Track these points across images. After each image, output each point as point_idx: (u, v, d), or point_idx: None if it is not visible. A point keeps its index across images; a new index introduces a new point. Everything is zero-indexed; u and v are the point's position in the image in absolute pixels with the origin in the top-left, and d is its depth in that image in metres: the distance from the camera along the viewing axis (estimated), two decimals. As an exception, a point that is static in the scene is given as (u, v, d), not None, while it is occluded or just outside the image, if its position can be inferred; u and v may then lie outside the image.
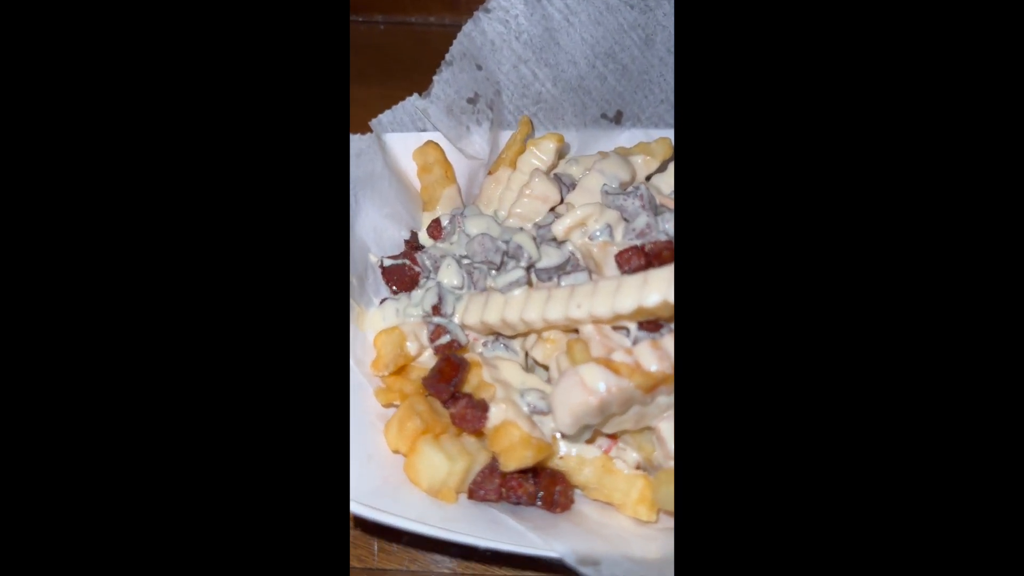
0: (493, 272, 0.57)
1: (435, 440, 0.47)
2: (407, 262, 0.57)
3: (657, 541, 0.47)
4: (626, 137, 0.69)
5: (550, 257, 0.54)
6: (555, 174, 0.61)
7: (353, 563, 0.51)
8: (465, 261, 0.57)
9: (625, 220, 0.55)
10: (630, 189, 0.55)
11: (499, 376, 0.52)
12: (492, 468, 0.48)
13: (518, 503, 0.48)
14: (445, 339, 0.53)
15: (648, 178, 0.61)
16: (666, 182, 0.60)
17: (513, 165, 0.63)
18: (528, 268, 0.54)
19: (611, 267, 0.53)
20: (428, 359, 0.54)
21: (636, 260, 0.51)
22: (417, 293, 0.56)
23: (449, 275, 0.56)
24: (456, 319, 0.54)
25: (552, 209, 0.59)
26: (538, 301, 0.51)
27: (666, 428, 0.48)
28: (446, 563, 0.52)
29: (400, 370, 0.53)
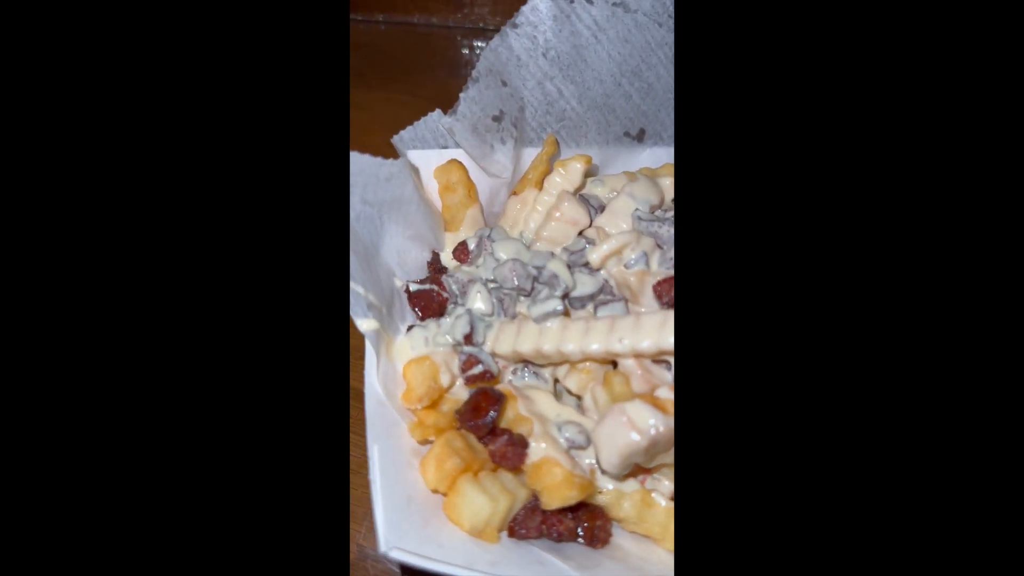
0: (522, 298, 0.56)
1: (475, 479, 0.46)
2: (434, 287, 0.56)
3: None
4: (647, 155, 0.68)
5: (584, 285, 0.53)
6: (582, 195, 0.60)
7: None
8: (492, 285, 0.56)
9: (659, 247, 0.54)
10: (664, 215, 0.55)
11: (534, 409, 0.51)
12: (534, 506, 0.47)
13: (559, 540, 0.48)
14: (478, 369, 0.52)
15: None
16: (696, 207, 0.60)
17: (539, 185, 0.61)
18: (563, 297, 0.53)
19: (648, 296, 0.53)
20: (459, 389, 0.53)
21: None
22: (447, 321, 0.54)
23: (479, 302, 0.54)
24: (487, 347, 0.53)
25: (581, 233, 0.58)
26: (576, 333, 0.50)
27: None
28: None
29: (432, 403, 0.51)
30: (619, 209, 0.57)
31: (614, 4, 0.60)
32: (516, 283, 0.54)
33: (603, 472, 0.48)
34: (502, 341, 0.53)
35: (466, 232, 0.61)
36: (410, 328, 0.55)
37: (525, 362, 0.54)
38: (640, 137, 0.67)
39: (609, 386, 0.50)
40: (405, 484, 0.46)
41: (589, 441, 0.49)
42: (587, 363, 0.52)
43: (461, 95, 0.60)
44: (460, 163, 0.61)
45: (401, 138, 0.61)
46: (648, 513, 0.49)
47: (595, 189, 0.61)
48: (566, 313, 0.53)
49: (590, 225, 0.58)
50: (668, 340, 0.47)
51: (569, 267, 0.54)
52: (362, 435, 0.61)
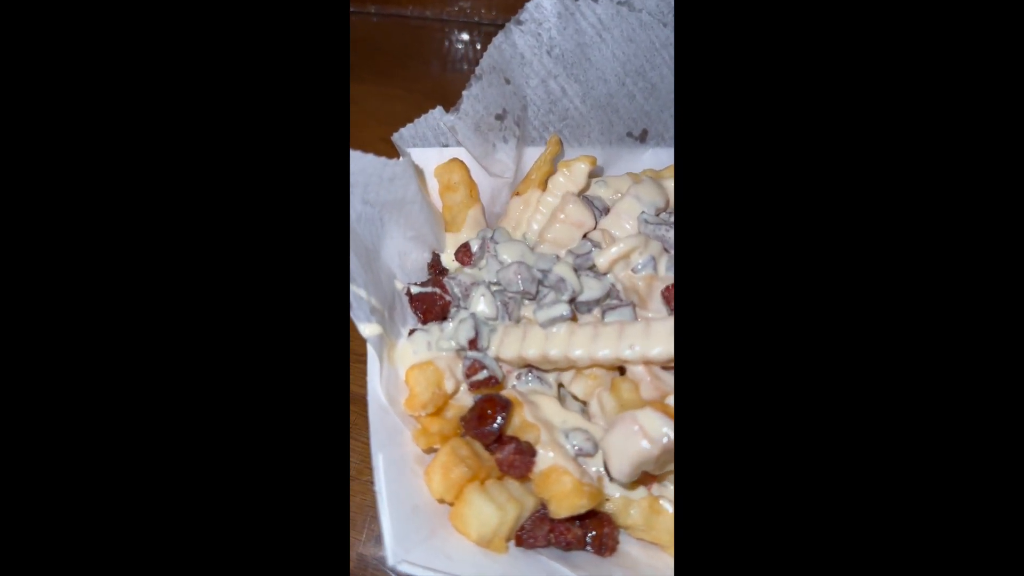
0: (526, 302, 0.55)
1: (482, 488, 0.45)
2: (437, 290, 0.54)
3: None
4: (650, 155, 0.67)
5: (591, 289, 0.53)
6: (586, 197, 0.59)
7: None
8: (496, 288, 0.55)
9: (667, 251, 0.53)
10: (670, 218, 0.54)
11: (540, 415, 0.50)
12: (542, 515, 0.46)
13: (568, 548, 0.47)
14: (482, 375, 0.51)
15: (679, 203, 0.60)
16: (701, 210, 0.59)
17: (542, 186, 0.60)
18: (570, 302, 0.52)
19: (656, 300, 0.52)
20: (463, 395, 0.52)
21: (684, 297, 0.50)
22: (450, 325, 0.53)
23: (483, 305, 0.53)
24: (491, 352, 0.52)
25: (585, 235, 0.57)
26: (584, 338, 0.49)
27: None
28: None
29: (437, 409, 0.50)
30: (624, 212, 0.56)
31: (619, 3, 0.59)
32: (521, 286, 0.53)
33: (612, 480, 0.48)
34: (507, 346, 0.52)
35: (467, 233, 0.59)
36: (412, 332, 0.53)
37: (529, 367, 0.53)
38: (643, 138, 0.66)
39: (617, 392, 0.49)
40: (410, 493, 0.45)
41: (597, 448, 0.49)
42: (593, 369, 0.51)
43: (464, 93, 0.58)
44: (462, 162, 0.59)
45: (401, 136, 0.59)
46: (656, 520, 0.48)
47: (599, 191, 0.60)
48: (573, 318, 0.52)
49: (595, 227, 0.57)
50: (679, 347, 0.46)
51: (575, 271, 0.53)
52: (359, 440, 0.59)
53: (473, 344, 0.51)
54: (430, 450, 0.48)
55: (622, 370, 0.51)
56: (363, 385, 0.48)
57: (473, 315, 0.52)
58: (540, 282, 0.54)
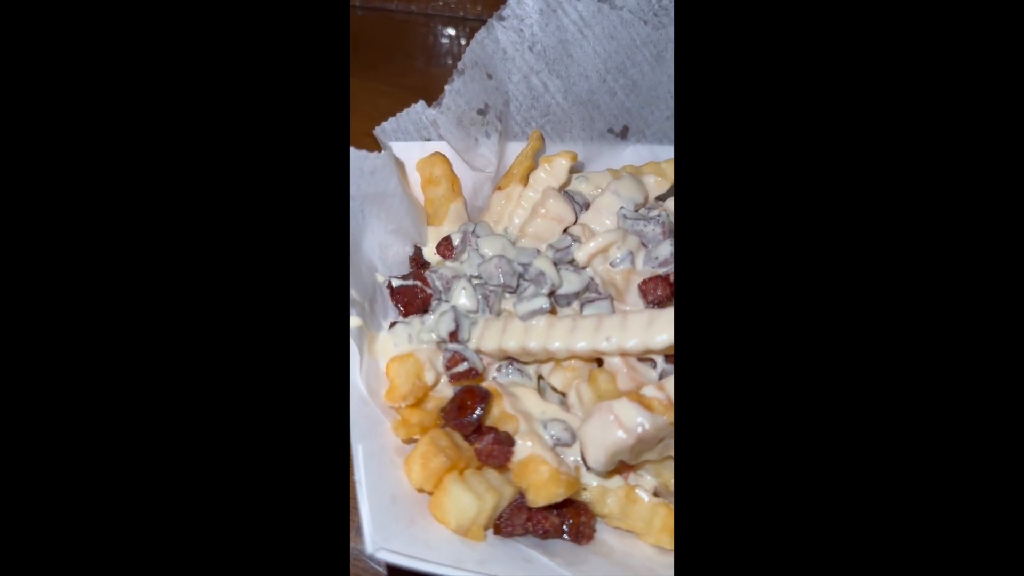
0: (507, 295, 0.55)
1: (461, 477, 0.46)
2: (418, 283, 0.55)
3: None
4: (630, 152, 0.68)
5: (570, 283, 0.53)
6: (566, 192, 0.60)
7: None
8: (477, 282, 0.55)
9: (644, 246, 0.54)
10: (649, 213, 0.55)
11: (520, 406, 0.51)
12: (519, 504, 0.47)
13: (545, 536, 0.48)
14: (463, 367, 0.52)
15: (659, 199, 0.61)
16: (680, 205, 0.60)
17: (524, 181, 0.61)
18: (550, 295, 0.53)
19: (633, 294, 0.53)
20: (444, 387, 0.53)
21: (661, 290, 0.51)
22: (431, 318, 0.53)
23: (464, 298, 0.54)
24: (471, 344, 0.53)
25: (566, 230, 0.58)
26: (562, 331, 0.50)
27: (686, 457, 0.49)
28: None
29: (417, 401, 0.51)
30: (604, 207, 0.57)
31: (600, 0, 0.60)
32: (502, 280, 0.54)
33: (588, 469, 0.49)
34: (487, 338, 0.52)
35: (449, 226, 0.60)
36: (393, 325, 0.54)
37: (509, 359, 0.53)
38: (623, 134, 0.67)
39: (595, 384, 0.50)
40: (389, 483, 0.45)
41: (574, 438, 0.49)
42: (572, 360, 0.52)
43: (446, 87, 0.59)
44: (444, 156, 0.60)
45: (383, 129, 0.59)
46: (632, 509, 0.49)
47: (579, 186, 0.61)
48: (552, 311, 0.53)
49: (575, 222, 0.58)
50: (654, 339, 0.47)
51: (555, 264, 0.54)
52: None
53: (454, 336, 0.52)
54: (410, 441, 0.49)
55: (600, 362, 0.52)
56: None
57: (454, 308, 0.53)
58: (520, 275, 0.54)
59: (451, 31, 0.97)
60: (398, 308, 0.55)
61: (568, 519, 0.48)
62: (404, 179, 0.57)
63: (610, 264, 0.53)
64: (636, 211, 0.56)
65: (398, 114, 0.59)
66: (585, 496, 0.50)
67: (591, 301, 0.53)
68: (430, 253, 0.60)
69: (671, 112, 0.67)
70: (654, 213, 0.55)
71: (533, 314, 0.52)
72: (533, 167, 0.61)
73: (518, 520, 0.47)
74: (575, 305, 0.54)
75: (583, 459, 0.47)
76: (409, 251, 0.59)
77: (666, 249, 0.53)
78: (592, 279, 0.54)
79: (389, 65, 0.92)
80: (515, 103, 0.62)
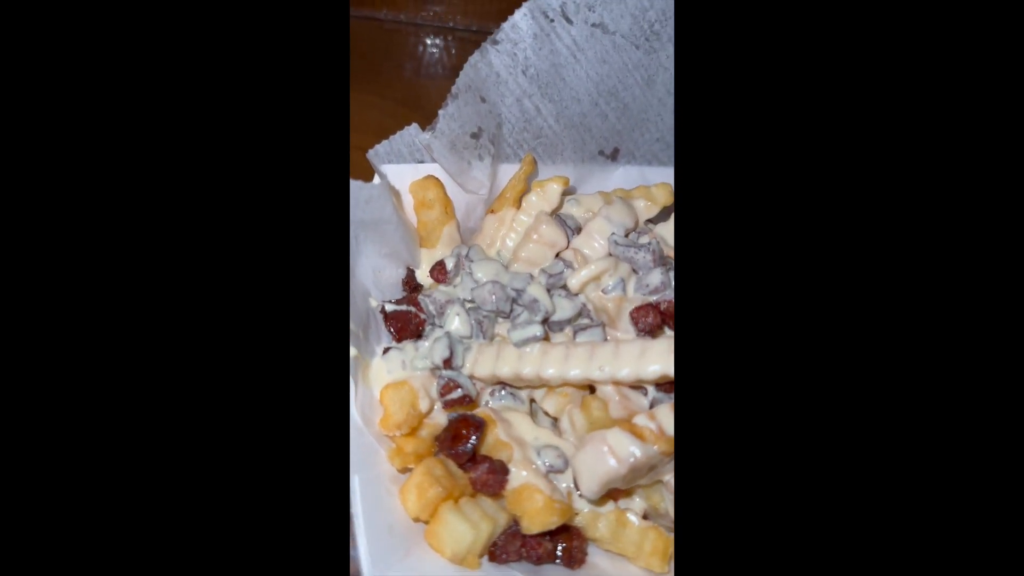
0: (500, 319, 0.56)
1: (456, 507, 0.46)
2: (412, 308, 0.55)
3: (670, 592, 0.49)
4: (620, 174, 0.69)
5: (563, 310, 0.54)
6: (559, 216, 0.60)
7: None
8: (470, 306, 0.56)
9: (635, 272, 0.55)
10: (639, 239, 0.56)
11: (513, 433, 0.51)
12: (514, 531, 0.48)
13: (538, 562, 0.49)
14: (457, 394, 0.52)
15: (649, 222, 0.62)
16: (669, 231, 0.61)
17: (516, 204, 0.61)
18: (543, 322, 0.53)
19: (625, 320, 0.54)
20: (438, 413, 0.53)
21: (652, 318, 0.52)
22: (424, 344, 0.54)
23: (457, 323, 0.54)
24: (465, 370, 0.53)
25: (558, 254, 0.58)
26: (556, 359, 0.51)
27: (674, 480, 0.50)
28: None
29: (411, 429, 0.51)
30: (596, 231, 0.58)
31: (593, 25, 0.61)
32: (495, 305, 0.54)
33: (579, 495, 0.49)
34: (481, 364, 0.53)
35: (442, 249, 0.60)
36: (386, 350, 0.54)
37: (502, 383, 0.54)
38: (614, 156, 0.68)
39: (587, 411, 0.51)
40: (385, 513, 0.46)
41: (567, 464, 0.50)
42: (565, 387, 0.53)
43: (440, 112, 0.59)
44: (437, 179, 0.60)
45: (376, 152, 0.59)
46: (622, 532, 0.51)
47: (571, 209, 0.62)
48: (545, 337, 0.53)
49: (567, 246, 0.58)
50: (646, 369, 0.48)
51: (548, 291, 0.55)
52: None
53: (448, 363, 0.52)
54: (405, 470, 0.49)
55: (592, 388, 0.53)
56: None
57: (448, 333, 0.53)
58: (514, 300, 0.55)
59: (440, 41, 0.96)
60: (392, 333, 0.55)
61: (561, 544, 0.49)
62: (400, 206, 0.57)
63: (602, 291, 0.54)
64: (626, 236, 0.57)
65: (391, 137, 0.59)
66: (577, 520, 0.51)
67: (584, 328, 0.54)
68: (423, 276, 0.60)
69: (660, 134, 0.68)
70: (644, 240, 0.56)
71: (527, 342, 0.52)
72: (526, 190, 0.62)
73: (512, 547, 0.48)
74: (568, 331, 0.55)
75: (576, 486, 0.48)
76: (402, 274, 0.59)
77: (657, 277, 0.53)
78: (584, 305, 0.55)
79: (377, 76, 0.92)
80: (508, 126, 0.63)
